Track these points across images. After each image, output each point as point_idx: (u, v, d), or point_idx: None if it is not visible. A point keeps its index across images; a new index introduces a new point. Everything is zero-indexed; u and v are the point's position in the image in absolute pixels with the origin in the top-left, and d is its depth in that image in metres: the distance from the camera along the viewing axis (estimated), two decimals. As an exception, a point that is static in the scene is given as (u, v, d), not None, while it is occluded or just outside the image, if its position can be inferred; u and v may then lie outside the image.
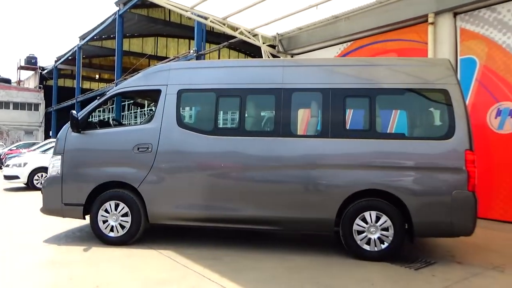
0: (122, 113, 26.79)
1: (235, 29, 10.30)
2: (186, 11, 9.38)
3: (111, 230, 4.94)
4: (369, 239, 4.47)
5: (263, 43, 10.75)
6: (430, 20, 7.59)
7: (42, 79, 39.88)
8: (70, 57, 32.17)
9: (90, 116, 5.37)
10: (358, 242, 4.48)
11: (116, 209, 4.93)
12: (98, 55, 34.48)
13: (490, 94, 6.94)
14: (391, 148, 4.57)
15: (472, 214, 4.33)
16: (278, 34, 10.73)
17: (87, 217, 5.09)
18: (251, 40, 10.56)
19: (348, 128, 4.94)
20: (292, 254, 4.69)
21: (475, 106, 7.05)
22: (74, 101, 30.68)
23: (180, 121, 5.01)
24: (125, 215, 4.92)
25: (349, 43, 9.41)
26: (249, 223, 4.81)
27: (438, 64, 4.92)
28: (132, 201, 4.90)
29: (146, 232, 5.16)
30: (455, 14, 7.45)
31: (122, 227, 4.93)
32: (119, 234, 4.93)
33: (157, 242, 5.07)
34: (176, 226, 5.18)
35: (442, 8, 7.45)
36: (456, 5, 7.28)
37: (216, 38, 23.34)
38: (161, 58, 29.60)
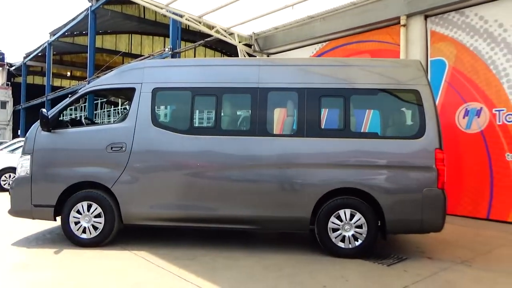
0: (94, 112, 26.15)
1: (211, 27, 10.24)
2: (161, 8, 9.26)
3: (83, 231, 4.82)
4: (344, 236, 4.55)
5: (239, 42, 10.74)
6: (402, 22, 7.79)
7: (10, 76, 38.37)
8: (40, 54, 31.11)
9: (61, 115, 5.22)
10: (333, 239, 4.55)
11: (88, 210, 4.82)
12: (69, 51, 33.47)
13: (458, 95, 7.19)
14: (365, 147, 4.66)
15: (441, 211, 4.48)
16: (254, 34, 10.74)
17: (58, 218, 4.95)
18: (227, 39, 10.53)
19: (323, 127, 5.01)
20: (269, 252, 4.72)
21: (444, 106, 7.29)
22: (44, 99, 29.68)
23: (155, 120, 4.94)
24: (98, 216, 4.81)
25: (324, 44, 9.53)
26: (226, 222, 4.80)
27: (410, 65, 5.05)
28: (105, 201, 4.80)
29: (120, 233, 5.07)
30: (426, 17, 7.68)
31: (95, 228, 4.82)
32: (91, 236, 4.81)
33: (131, 243, 4.99)
34: (151, 226, 5.11)
35: (414, 11, 7.66)
36: (427, 8, 7.50)
37: (192, 36, 23.12)
38: (135, 56, 29.04)
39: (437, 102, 5.84)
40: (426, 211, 4.45)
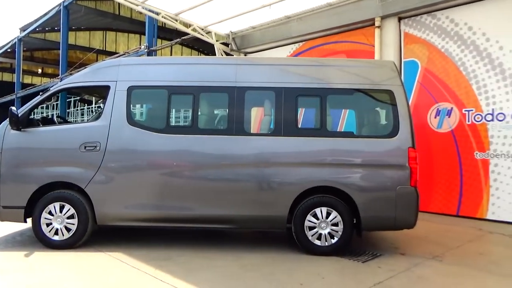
0: (67, 110, 25.44)
1: (188, 25, 10.15)
2: (137, 5, 9.09)
3: (56, 233, 4.68)
4: (320, 234, 4.60)
5: (217, 40, 10.70)
6: (377, 23, 7.96)
7: (-23, 72, 36.86)
8: (9, 50, 29.97)
9: (32, 113, 5.05)
10: (310, 237, 4.60)
11: (61, 211, 4.68)
12: (41, 48, 32.40)
13: (430, 95, 7.41)
14: (341, 146, 4.74)
15: (414, 208, 4.60)
16: (231, 32, 10.72)
17: (29, 220, 4.79)
18: (204, 38, 10.47)
19: (300, 126, 5.05)
20: (246, 251, 4.72)
21: (417, 106, 7.50)
22: (14, 96, 28.66)
23: (130, 119, 4.86)
24: (71, 217, 4.69)
25: (301, 43, 9.62)
26: (203, 222, 4.77)
27: (384, 66, 5.17)
28: (78, 202, 4.68)
29: (94, 235, 4.96)
30: (399, 19, 7.87)
31: (68, 230, 4.69)
32: (64, 238, 4.69)
33: (106, 244, 4.88)
34: (126, 227, 5.02)
35: (388, 13, 7.83)
36: (400, 10, 7.68)
37: (168, 34, 22.85)
38: (110, 53, 28.41)
39: (410, 102, 6.00)
40: (400, 208, 4.56)
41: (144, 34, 16.29)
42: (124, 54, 18.92)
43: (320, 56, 8.85)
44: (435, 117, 7.33)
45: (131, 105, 4.97)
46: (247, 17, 9.50)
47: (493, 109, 6.66)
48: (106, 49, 31.68)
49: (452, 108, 7.11)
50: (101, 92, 5.39)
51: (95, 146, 4.74)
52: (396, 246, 5.08)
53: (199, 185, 4.73)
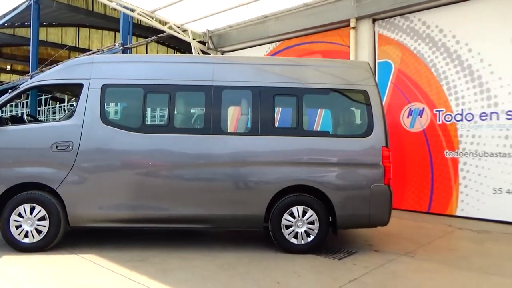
0: (38, 109, 24.63)
1: (164, 23, 10.02)
2: (112, 1, 8.91)
3: (26, 236, 4.53)
4: (297, 233, 4.65)
5: (193, 39, 10.61)
6: (352, 24, 8.09)
7: None
8: (-25, 45, 28.78)
9: (1, 111, 4.87)
10: (286, 236, 4.64)
11: (31, 213, 4.53)
12: (10, 44, 31.17)
13: (403, 96, 7.60)
14: (317, 145, 4.80)
15: (388, 206, 4.71)
16: (208, 31, 10.66)
17: (-3, 222, 4.62)
18: (180, 36, 10.36)
19: (277, 126, 5.08)
20: (223, 251, 4.71)
21: (390, 106, 7.68)
22: (-19, 94, 27.54)
23: (104, 118, 4.75)
24: (42, 218, 4.54)
25: (277, 43, 9.67)
26: (179, 222, 4.73)
27: (359, 66, 5.27)
28: (50, 203, 4.54)
29: (66, 236, 4.83)
30: (374, 21, 8.03)
31: (39, 232, 4.55)
32: (35, 240, 4.54)
33: (79, 246, 4.76)
34: (100, 228, 4.92)
35: (363, 14, 7.98)
36: (374, 12, 7.84)
37: (144, 32, 22.46)
38: (83, 50, 27.68)
39: (383, 102, 6.14)
40: (374, 206, 4.66)
41: (119, 31, 15.95)
42: (98, 51, 18.47)
43: (297, 56, 8.93)
44: (408, 117, 7.53)
45: (105, 104, 4.86)
46: (224, 15, 9.47)
47: (462, 110, 6.90)
48: (79, 46, 30.84)
49: (423, 108, 7.32)
50: (74, 90, 5.30)
51: (68, 146, 4.61)
52: (370, 243, 5.19)
53: (176, 185, 4.69)
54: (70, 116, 4.91)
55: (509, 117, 6.41)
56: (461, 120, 6.89)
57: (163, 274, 3.91)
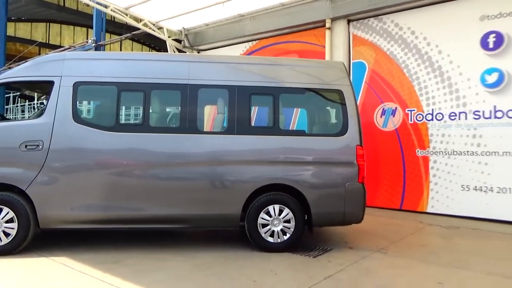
0: (6, 107, 23.71)
1: (139, 20, 9.85)
2: (83, -3, 8.69)
3: (-7, 238, 4.36)
4: (273, 231, 4.67)
5: (169, 37, 10.48)
6: (327, 25, 8.20)
7: None
8: None
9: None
10: (263, 235, 4.66)
11: (-2, 215, 4.37)
12: (-25, 39, 29.94)
13: (376, 96, 7.77)
14: (293, 144, 4.84)
15: (362, 203, 4.81)
16: (184, 29, 10.55)
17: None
18: (155, 33, 10.21)
19: (253, 125, 5.09)
20: (199, 251, 4.68)
21: (364, 106, 7.83)
22: None
23: (76, 116, 4.63)
24: (10, 221, 4.38)
25: (254, 42, 9.69)
26: (155, 222, 4.66)
27: (334, 66, 5.34)
28: (19, 204, 4.38)
29: (36, 239, 4.68)
30: (348, 21, 8.17)
31: (7, 234, 4.38)
32: (3, 243, 4.37)
33: (49, 249, 4.62)
34: (71, 230, 4.79)
35: (338, 15, 8.10)
36: (349, 13, 7.98)
37: (118, 29, 22.02)
38: (54, 47, 26.85)
39: (358, 102, 6.25)
40: (348, 204, 4.75)
41: (92, 27, 15.58)
42: (70, 48, 17.97)
43: (273, 55, 8.97)
44: (381, 117, 7.70)
45: (77, 102, 4.74)
46: (201, 13, 9.41)
47: (432, 109, 7.12)
48: (50, 42, 29.90)
49: (396, 108, 7.51)
50: (44, 87, 5.08)
51: (37, 145, 4.47)
52: (345, 240, 5.28)
53: (151, 185, 4.62)
54: (40, 115, 4.75)
55: (477, 117, 6.66)
56: (432, 119, 7.11)
57: (138, 275, 3.85)
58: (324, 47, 8.28)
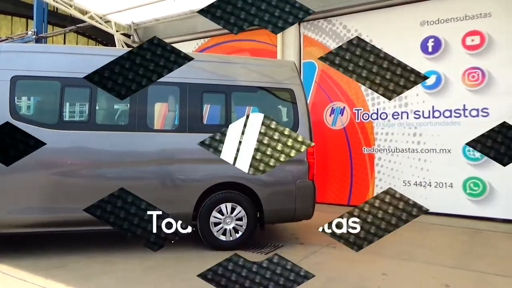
0: None
1: (84, 12, 9.38)
2: (22, -15, 8.10)
3: None
4: (225, 229, 4.67)
5: (117, 31, 10.09)
6: (279, 25, 8.30)
7: None
8: None
9: None
10: (215, 233, 4.65)
11: None
12: None
13: (326, 95, 8.02)
14: (245, 142, 4.85)
15: (312, 200, 4.95)
16: (133, 23, 10.20)
17: None
18: (102, 27, 9.78)
19: (205, 123, 5.04)
20: (150, 253, 4.49)
21: (314, 105, 8.05)
22: None
23: (14, 112, 4.32)
24: None
25: (206, 39, 9.60)
26: (101, 224, 4.46)
27: (285, 66, 5.44)
28: None
29: (-31, 245, 4.32)
30: (299, 22, 8.33)
31: None
32: None
33: (-15, 255, 4.30)
34: (10, 234, 4.47)
35: (289, 15, 8.22)
36: (300, 14, 8.13)
37: (61, 21, 20.79)
38: (-12, 37, 24.85)
39: (308, 101, 6.41)
40: (299, 200, 4.86)
41: (32, 18, 14.59)
42: (7, 39, 16.70)
43: (225, 53, 8.93)
44: (330, 115, 7.96)
45: (16, 97, 4.43)
46: (151, 8, 9.13)
47: (377, 109, 7.47)
48: (-16, 32, 27.62)
49: (344, 107, 7.80)
50: (-23, 81, 4.68)
51: (-31, 144, 4.11)
52: (296, 236, 5.41)
53: (97, 185, 4.41)
54: (-28, 111, 4.37)
55: (417, 116, 7.09)
56: (377, 118, 7.46)
57: (85, 280, 3.69)
58: (276, 46, 8.39)
